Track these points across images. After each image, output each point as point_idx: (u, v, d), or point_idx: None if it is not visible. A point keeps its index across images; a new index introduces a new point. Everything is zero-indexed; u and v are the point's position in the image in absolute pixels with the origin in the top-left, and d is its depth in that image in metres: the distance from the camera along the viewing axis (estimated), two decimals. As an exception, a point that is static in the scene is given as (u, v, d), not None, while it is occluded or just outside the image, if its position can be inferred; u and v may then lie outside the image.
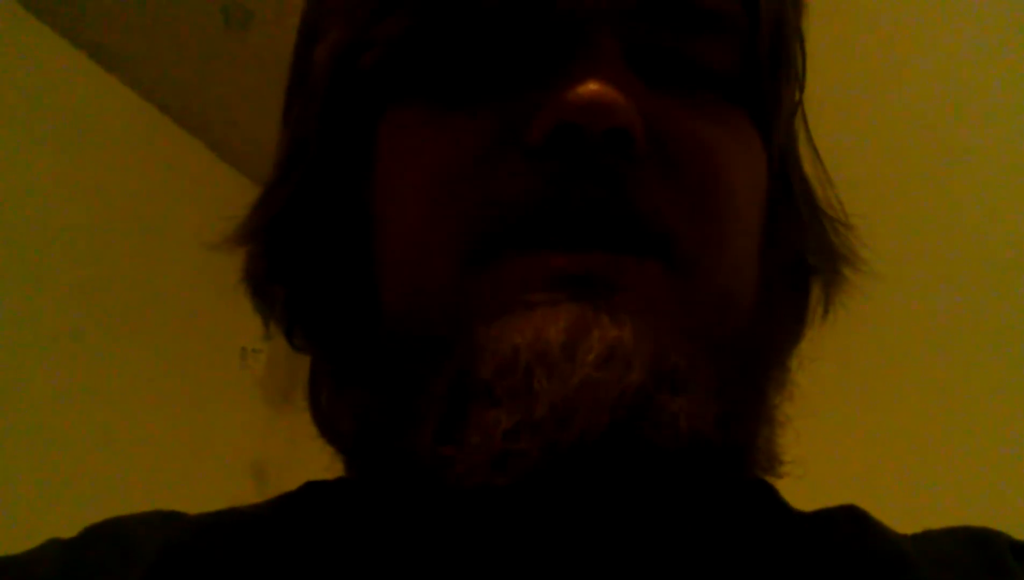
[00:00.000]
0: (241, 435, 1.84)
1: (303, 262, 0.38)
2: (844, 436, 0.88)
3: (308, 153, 0.37)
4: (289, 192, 0.38)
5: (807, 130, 0.42)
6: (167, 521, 0.37)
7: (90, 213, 1.63)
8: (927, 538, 0.37)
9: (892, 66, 1.05)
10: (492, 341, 0.29)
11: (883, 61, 1.06)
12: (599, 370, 0.28)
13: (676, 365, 0.29)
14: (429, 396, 0.30)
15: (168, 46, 1.69)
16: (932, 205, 0.97)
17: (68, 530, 0.37)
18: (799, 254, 0.40)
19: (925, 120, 1.01)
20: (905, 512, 0.39)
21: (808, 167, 0.41)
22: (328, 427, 0.40)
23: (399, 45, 0.34)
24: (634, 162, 0.31)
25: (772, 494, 0.38)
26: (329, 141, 0.37)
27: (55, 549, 0.35)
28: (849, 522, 0.37)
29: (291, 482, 0.40)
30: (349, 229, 0.37)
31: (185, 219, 1.65)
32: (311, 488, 0.39)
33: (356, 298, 0.36)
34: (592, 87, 0.30)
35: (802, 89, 0.40)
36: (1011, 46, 0.98)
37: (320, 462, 0.40)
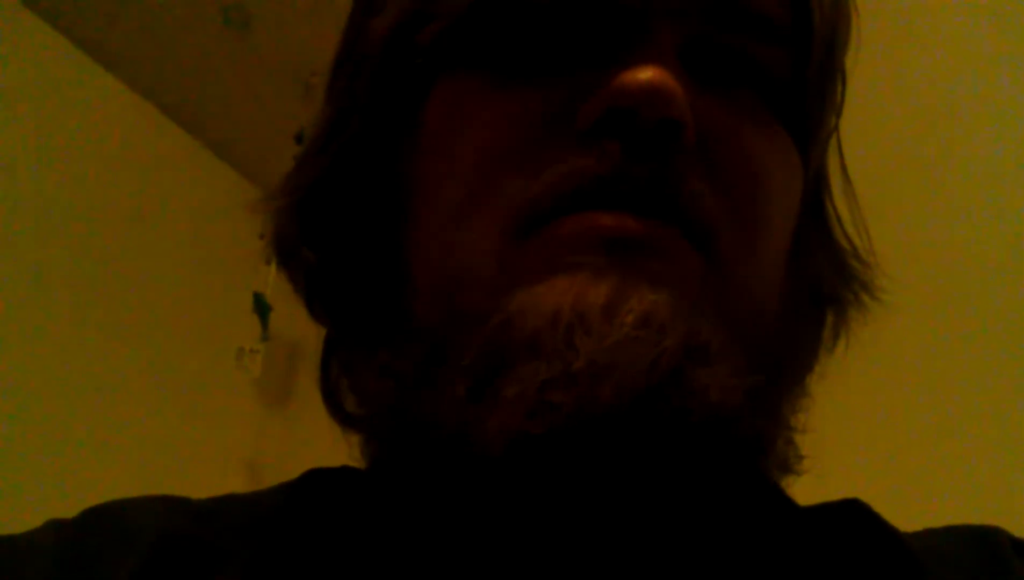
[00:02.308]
0: (237, 435, 1.84)
1: (336, 229, 0.39)
2: (847, 436, 0.88)
3: (353, 123, 0.38)
4: (332, 157, 0.39)
5: (841, 157, 0.42)
6: (166, 505, 0.37)
7: (87, 211, 1.63)
8: (929, 535, 0.38)
9: (892, 77, 1.05)
10: (535, 302, 0.30)
11: (883, 69, 1.06)
12: (637, 330, 0.28)
13: (708, 341, 0.29)
14: (464, 357, 0.30)
15: (168, 46, 1.69)
16: (939, 209, 0.97)
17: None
18: (822, 276, 0.40)
19: (927, 123, 1.01)
20: (907, 510, 0.39)
21: (838, 193, 0.42)
22: (338, 407, 0.40)
23: (462, 19, 0.34)
24: (681, 156, 0.31)
25: (775, 489, 0.38)
26: (376, 111, 0.38)
27: (53, 530, 0.36)
28: (852, 516, 0.37)
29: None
30: (387, 199, 0.37)
31: (183, 218, 1.66)
32: (312, 476, 0.39)
33: (389, 268, 0.36)
34: (652, 73, 0.30)
35: (839, 116, 0.41)
36: (1013, 53, 0.99)
37: (316, 461, 0.40)
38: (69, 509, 0.37)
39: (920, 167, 1.00)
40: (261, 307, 1.67)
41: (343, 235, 0.39)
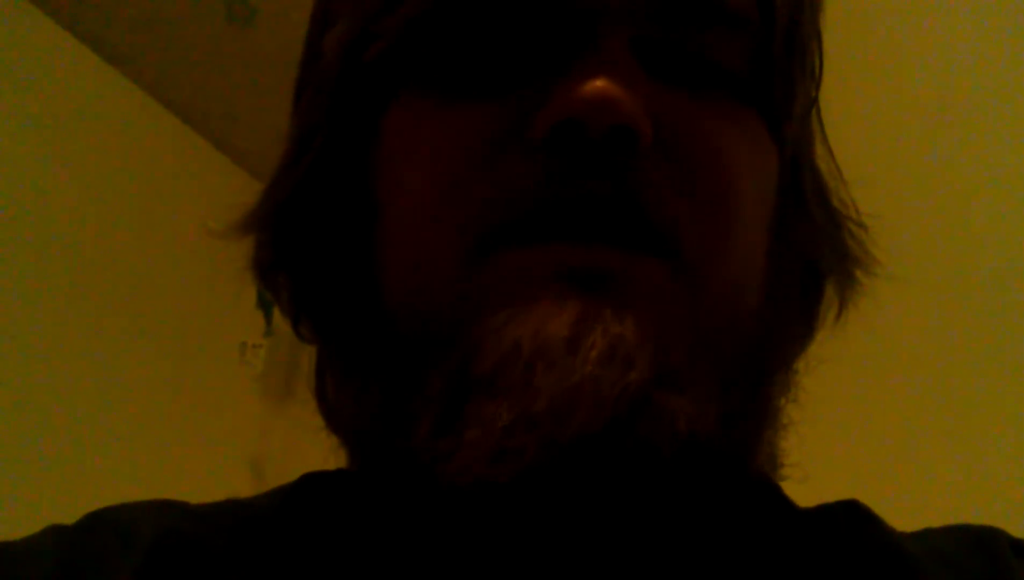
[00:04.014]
0: (239, 431, 1.84)
1: (308, 251, 0.38)
2: (847, 438, 0.88)
3: (316, 142, 0.37)
4: (296, 180, 0.38)
5: (822, 129, 0.41)
6: (166, 509, 0.37)
7: (91, 207, 1.63)
8: (927, 536, 0.37)
9: (899, 64, 1.05)
10: (494, 335, 0.29)
11: (889, 58, 1.06)
12: (601, 367, 0.28)
13: (677, 364, 0.29)
14: (428, 391, 0.30)
15: (171, 41, 1.69)
16: (937, 207, 0.97)
17: (66, 523, 0.37)
18: (811, 256, 0.39)
19: (930, 119, 1.01)
20: (906, 512, 0.39)
21: (823, 167, 0.41)
22: (332, 417, 0.40)
23: (405, 36, 0.34)
24: (639, 159, 0.31)
25: (775, 491, 0.38)
26: (336, 131, 0.37)
27: (54, 535, 0.36)
28: (851, 517, 0.37)
29: (289, 478, 0.40)
30: (355, 219, 0.37)
31: (187, 214, 1.66)
32: (309, 479, 0.39)
33: (360, 289, 0.36)
34: (596, 83, 0.30)
35: (818, 87, 0.40)
36: (1017, 43, 0.98)
37: (318, 458, 0.40)
38: (73, 504, 0.38)
39: (916, 161, 1.00)
40: (264, 302, 1.67)
41: (320, 255, 0.38)
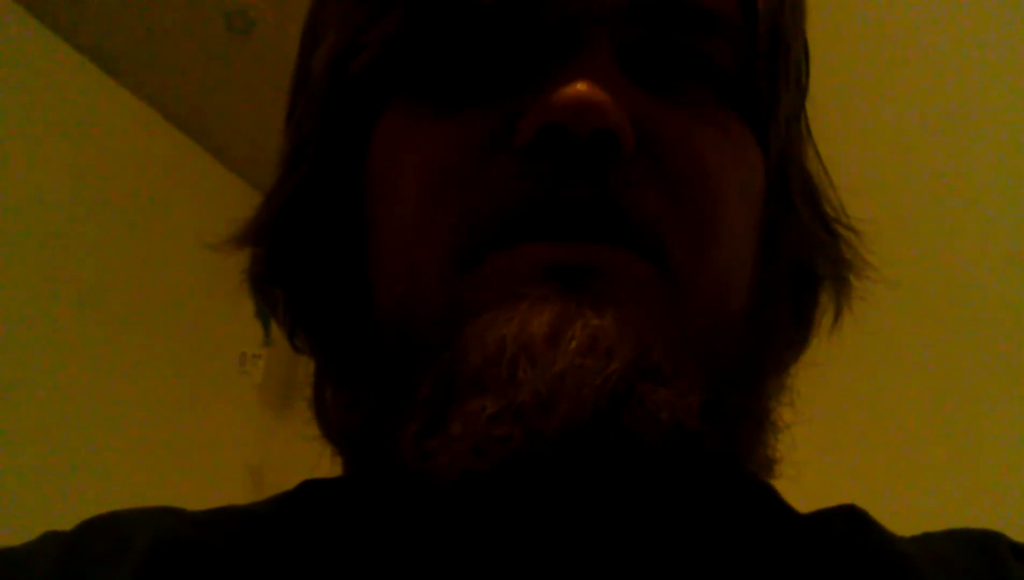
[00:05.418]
0: (239, 440, 1.84)
1: (302, 263, 0.39)
2: (842, 441, 0.88)
3: (308, 156, 0.38)
4: (289, 194, 0.38)
5: (810, 134, 0.42)
6: (164, 515, 0.37)
7: (91, 217, 1.64)
8: (926, 540, 0.37)
9: (894, 69, 1.06)
10: (479, 334, 0.30)
11: (885, 63, 1.06)
12: (582, 358, 0.28)
13: (658, 359, 0.29)
14: (416, 394, 0.31)
15: (170, 51, 1.69)
16: (931, 210, 0.98)
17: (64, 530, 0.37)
18: (801, 259, 0.39)
19: (921, 126, 1.02)
20: (903, 516, 0.39)
21: (813, 171, 0.41)
22: (328, 426, 0.40)
23: (390, 48, 0.34)
24: (622, 163, 0.31)
25: (771, 493, 0.38)
26: (327, 144, 0.38)
27: (52, 541, 0.36)
28: (849, 522, 0.37)
29: (287, 487, 0.40)
30: (346, 231, 0.37)
31: (186, 224, 1.66)
32: (308, 486, 0.39)
33: (353, 299, 0.36)
34: (578, 88, 0.30)
35: (805, 92, 0.40)
36: (1015, 48, 0.99)
37: (317, 467, 0.40)
38: (72, 512, 0.38)
39: (911, 165, 1.01)
40: (263, 312, 1.67)
41: (314, 267, 0.38)
